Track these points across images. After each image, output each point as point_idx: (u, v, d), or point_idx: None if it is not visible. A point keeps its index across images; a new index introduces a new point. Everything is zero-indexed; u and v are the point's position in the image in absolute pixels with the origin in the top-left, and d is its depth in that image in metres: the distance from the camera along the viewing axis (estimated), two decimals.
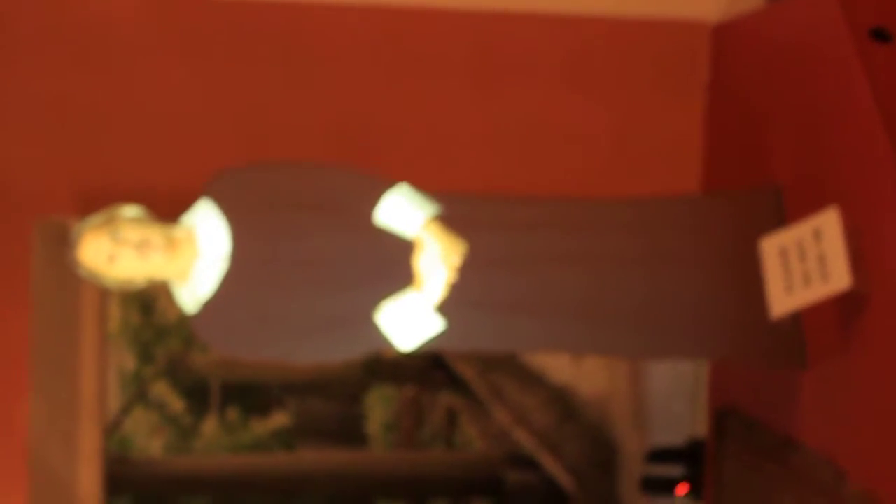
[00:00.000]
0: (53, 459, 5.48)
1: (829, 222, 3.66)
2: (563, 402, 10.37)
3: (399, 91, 5.10)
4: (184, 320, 3.86)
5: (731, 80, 4.89)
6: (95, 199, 4.10)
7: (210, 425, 12.69)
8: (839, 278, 3.59)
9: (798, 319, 3.91)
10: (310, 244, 3.59)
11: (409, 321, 3.63)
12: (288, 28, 5.06)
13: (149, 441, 12.25)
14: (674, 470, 5.94)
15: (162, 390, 12.47)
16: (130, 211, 3.60)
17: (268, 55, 5.07)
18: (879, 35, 3.77)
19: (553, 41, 5.12)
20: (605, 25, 5.12)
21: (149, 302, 11.03)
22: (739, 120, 4.69)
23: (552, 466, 10.37)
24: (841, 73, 3.81)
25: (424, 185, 3.75)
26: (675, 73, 5.11)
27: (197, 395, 12.60)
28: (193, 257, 3.59)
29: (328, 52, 5.09)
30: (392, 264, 3.63)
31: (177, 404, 12.61)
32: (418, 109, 5.11)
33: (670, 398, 7.80)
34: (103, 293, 5.55)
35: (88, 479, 5.76)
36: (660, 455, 6.24)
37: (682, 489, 5.82)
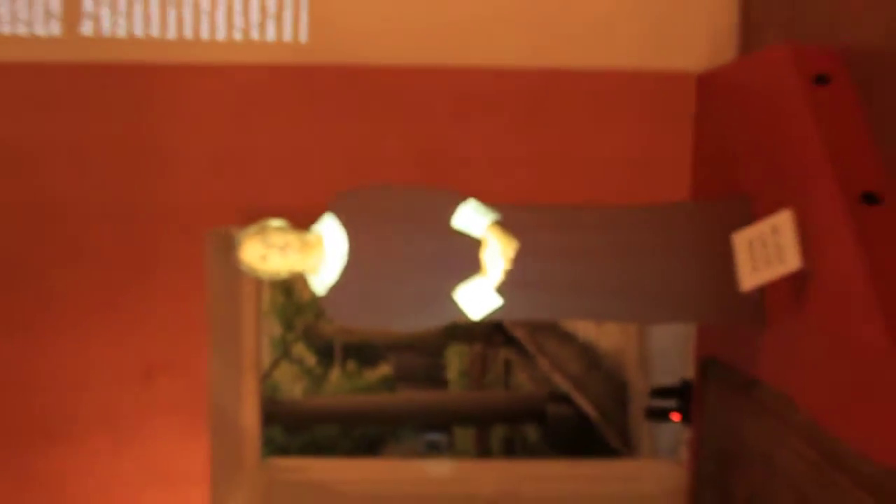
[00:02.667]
0: (225, 400, 5.54)
1: (783, 221, 3.65)
2: (588, 354, 10.33)
3: (466, 131, 5.08)
4: (315, 300, 3.87)
5: (712, 116, 4.83)
6: (250, 214, 4.11)
7: (335, 374, 12.80)
8: (791, 261, 3.59)
9: (761, 291, 3.88)
10: (406, 244, 3.59)
11: (478, 299, 3.63)
12: (385, 86, 5.04)
13: (292, 386, 12.36)
14: (670, 403, 5.91)
15: (300, 350, 12.58)
16: (275, 222, 3.63)
17: (370, 107, 5.05)
18: (821, 80, 3.74)
19: (580, 89, 5.07)
20: (621, 76, 5.06)
21: (290, 287, 11.12)
22: (719, 147, 4.65)
23: (581, 401, 10.34)
24: (793, 109, 3.78)
25: (486, 198, 3.74)
26: (670, 112, 5.04)
27: (325, 353, 12.70)
28: (321, 256, 3.62)
29: (414, 103, 5.06)
30: (465, 257, 3.63)
31: (311, 360, 12.72)
32: (480, 144, 5.08)
33: (667, 350, 7.75)
34: (258, 282, 5.60)
35: (250, 414, 5.82)
36: (659, 392, 6.21)
37: (676, 417, 5.78)
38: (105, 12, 4.97)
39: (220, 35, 5.00)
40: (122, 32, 4.96)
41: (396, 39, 5.01)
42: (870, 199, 3.38)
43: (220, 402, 5.40)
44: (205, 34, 5.00)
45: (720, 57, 4.99)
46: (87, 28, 4.97)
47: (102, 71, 4.94)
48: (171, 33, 4.99)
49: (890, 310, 3.10)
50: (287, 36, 5.01)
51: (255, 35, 5.00)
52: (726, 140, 4.54)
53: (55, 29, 4.97)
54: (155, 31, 4.97)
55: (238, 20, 5.00)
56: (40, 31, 4.96)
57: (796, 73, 3.75)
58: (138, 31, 4.97)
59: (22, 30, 4.97)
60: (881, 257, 3.23)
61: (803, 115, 3.67)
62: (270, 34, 5.01)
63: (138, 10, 4.96)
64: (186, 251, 5.05)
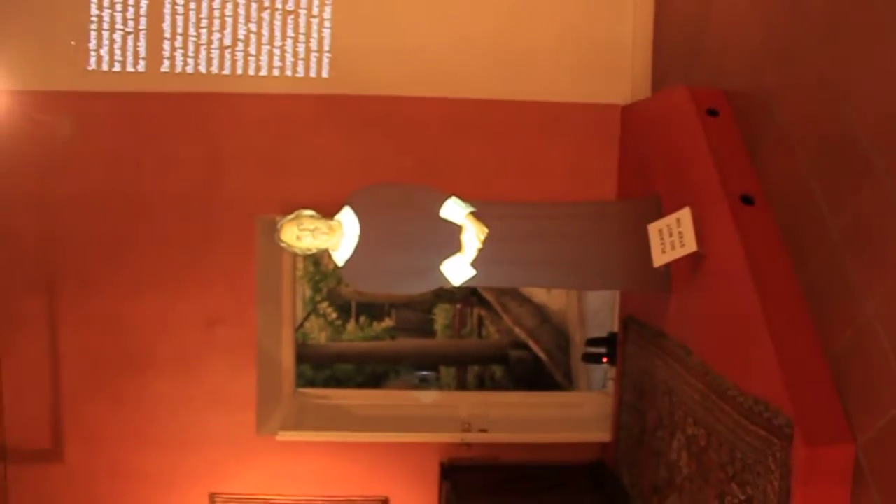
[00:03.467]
0: (268, 344, 5.51)
1: (684, 215, 3.64)
2: (541, 312, 10.33)
3: (452, 145, 5.05)
4: (336, 270, 3.88)
5: (633, 137, 4.83)
6: (289, 205, 4.11)
7: (351, 326, 12.76)
8: (689, 245, 3.58)
9: (668, 267, 3.87)
10: (405, 227, 3.60)
11: (458, 270, 3.65)
12: (388, 110, 5.00)
13: (318, 334, 12.33)
14: (601, 349, 5.87)
15: (325, 307, 12.54)
16: (307, 212, 3.63)
17: (377, 126, 5.01)
18: (712, 112, 3.73)
19: (535, 115, 5.04)
20: (565, 106, 5.03)
21: (318, 260, 11.10)
22: (638, 159, 4.65)
23: (535, 348, 10.34)
24: (691, 133, 3.77)
25: (465, 195, 3.75)
26: (602, 133, 5.02)
27: (344, 309, 12.66)
28: (341, 237, 3.62)
29: (412, 124, 5.03)
30: (449, 239, 3.65)
31: (333, 315, 12.67)
32: (462, 155, 5.05)
33: (599, 310, 7.76)
34: (294, 256, 5.59)
35: (287, 354, 5.81)
36: (593, 341, 6.17)
37: (605, 360, 5.75)
38: (179, 54, 4.96)
39: (264, 72, 4.99)
40: (190, 69, 4.95)
41: (397, 76, 4.99)
42: (746, 200, 3.39)
43: (265, 346, 5.38)
44: (252, 71, 4.99)
45: (638, 94, 5.00)
46: (165, 66, 4.95)
47: (179, 99, 4.92)
48: (228, 70, 4.97)
49: (759, 282, 3.10)
50: (313, 72, 5.00)
51: (289, 72, 4.99)
52: (643, 154, 4.55)
53: (142, 67, 4.96)
54: (215, 69, 4.96)
55: (277, 61, 4.99)
56: (131, 68, 4.95)
57: (694, 107, 3.74)
58: (203, 69, 4.96)
59: (117, 68, 4.96)
60: (754, 243, 3.24)
61: (699, 137, 3.67)
62: (301, 71, 4.99)
63: (203, 53, 4.95)
64: (241, 233, 5.05)
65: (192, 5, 4.93)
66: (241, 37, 4.95)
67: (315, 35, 4.98)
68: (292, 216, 3.60)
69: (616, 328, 5.17)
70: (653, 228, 3.81)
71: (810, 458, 2.68)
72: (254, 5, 4.94)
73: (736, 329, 3.22)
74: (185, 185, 5.00)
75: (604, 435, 5.16)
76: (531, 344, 10.60)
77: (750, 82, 3.64)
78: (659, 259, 3.76)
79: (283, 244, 3.61)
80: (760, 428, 2.97)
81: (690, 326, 3.75)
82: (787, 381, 2.83)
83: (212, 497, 5.22)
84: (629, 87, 5.03)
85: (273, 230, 3.64)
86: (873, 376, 2.64)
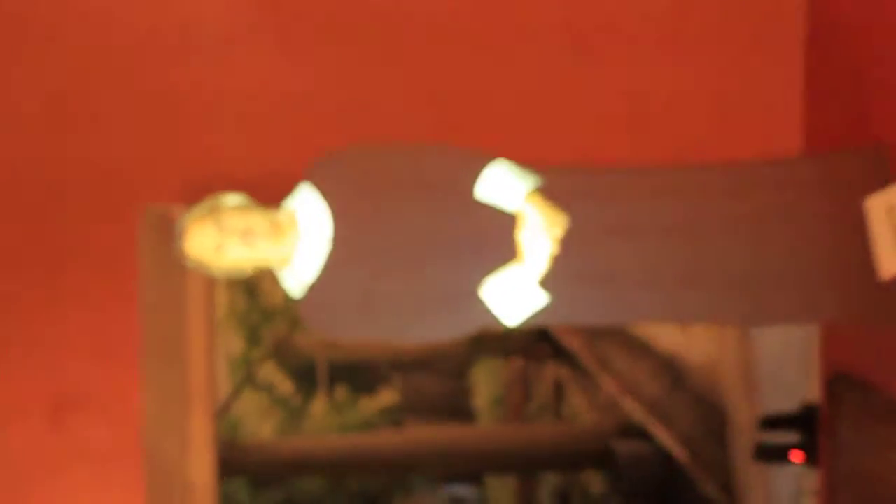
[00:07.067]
0: (166, 447, 5.53)
1: None
2: (671, 370, 10.32)
3: (492, 60, 5.11)
4: (289, 303, 3.89)
5: (831, 29, 4.82)
6: (199, 188, 4.14)
7: (319, 405, 12.81)
8: None
9: None
10: (413, 223, 3.62)
11: (514, 296, 3.65)
12: (380, 5, 5.10)
13: (259, 424, 12.39)
14: (787, 437, 5.88)
15: (270, 372, 12.60)
16: (233, 199, 3.62)
17: (359, 32, 5.09)
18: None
19: (646, 2, 5.12)
20: None
21: (254, 287, 11.14)
22: (841, 73, 4.64)
23: (664, 436, 10.33)
24: None
25: (522, 158, 3.76)
26: (770, 26, 5.07)
27: (305, 375, 12.71)
28: (297, 243, 3.63)
29: (420, 24, 5.11)
30: (495, 239, 3.66)
31: (285, 385, 12.73)
32: (512, 78, 5.10)
33: (781, 363, 7.73)
34: (210, 281, 5.62)
35: (201, 465, 5.83)
36: (772, 422, 6.18)
37: (796, 456, 5.76)
38: None
39: None
40: None
41: None
42: None
43: (159, 449, 5.42)
44: None
45: None
46: None
47: None
48: None
49: None
50: None
51: None
52: (851, 63, 4.53)
53: None
54: None
55: None
56: None
57: None
58: None
59: None
60: None
61: None
62: None
63: None
64: (110, 240, 5.10)
65: None
66: None
67: None
68: (206, 209, 3.61)
69: (816, 397, 5.20)
70: (876, 205, 3.83)
71: None
72: None
73: None
74: (5, 158, 5.07)
75: None
76: (655, 429, 10.58)
77: None
78: (891, 262, 3.79)
79: (191, 260, 3.63)
80: None
81: None
82: None
83: None
84: None
85: (172, 235, 3.67)
86: None
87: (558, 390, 12.65)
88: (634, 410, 10.74)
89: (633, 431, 10.88)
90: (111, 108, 5.10)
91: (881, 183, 3.90)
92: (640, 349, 10.70)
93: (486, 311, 3.68)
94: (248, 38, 5.08)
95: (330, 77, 5.07)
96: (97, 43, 5.09)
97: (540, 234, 3.64)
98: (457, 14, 5.09)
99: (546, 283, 3.68)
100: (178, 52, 5.10)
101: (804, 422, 5.49)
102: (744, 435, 8.77)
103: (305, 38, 5.09)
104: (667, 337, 10.26)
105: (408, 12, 5.09)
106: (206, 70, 5.10)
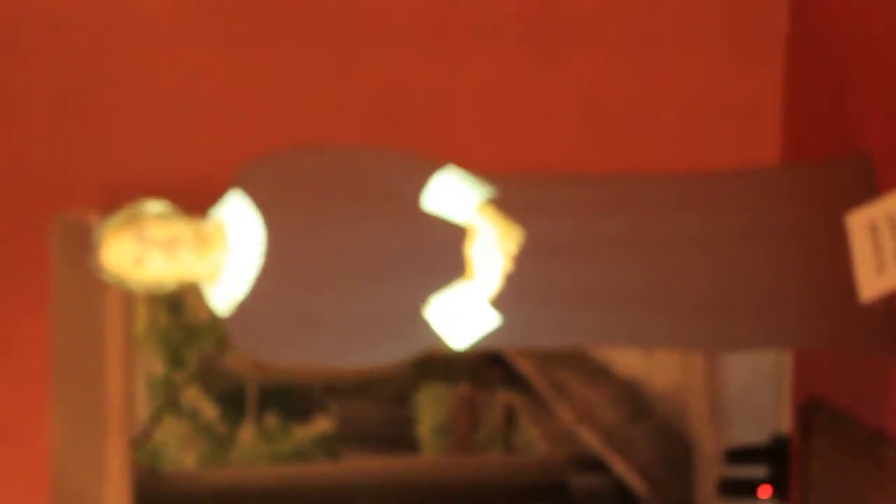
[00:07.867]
0: (78, 476, 5.53)
1: None
2: (632, 397, 10.37)
3: (445, 60, 5.13)
4: (215, 321, 3.87)
5: (812, 34, 4.86)
6: (117, 193, 4.11)
7: (247, 433, 12.77)
8: None
9: (891, 301, 3.88)
10: (353, 235, 3.61)
11: (462, 316, 3.64)
12: None
13: (181, 452, 12.35)
14: (755, 470, 5.92)
15: (194, 396, 12.55)
16: (155, 207, 3.60)
17: (296, 27, 5.10)
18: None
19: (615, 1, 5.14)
20: None
21: (177, 301, 11.11)
22: (822, 79, 4.67)
23: (621, 468, 10.37)
24: None
25: (475, 166, 3.75)
26: (749, 29, 5.11)
27: (232, 400, 12.68)
28: (225, 255, 3.61)
29: (364, 19, 5.11)
30: (442, 253, 3.65)
31: (210, 411, 12.68)
32: (466, 80, 5.12)
33: (750, 391, 7.79)
34: (128, 296, 5.59)
35: (116, 496, 5.81)
36: (739, 454, 6.22)
37: (764, 491, 5.80)
38: None
39: None
40: None
41: None
42: None
43: (69, 478, 5.40)
44: None
45: None
46: None
47: None
48: None
49: None
50: None
51: None
52: (833, 69, 4.55)
53: None
54: None
55: None
56: None
57: None
58: None
59: None
60: None
61: None
62: None
63: None
64: (18, 250, 5.07)
65: None
66: None
67: None
68: (124, 217, 3.59)
69: (787, 427, 5.23)
70: (858, 222, 3.82)
71: None
72: None
73: None
74: None
75: None
76: (613, 460, 10.62)
77: None
78: (872, 285, 3.78)
79: (107, 274, 3.60)
80: None
81: None
82: None
83: None
84: None
85: (87, 246, 3.63)
86: None
87: (509, 418, 12.69)
88: (591, 441, 10.78)
89: (590, 464, 10.92)
90: (19, 105, 5.09)
91: (864, 196, 3.91)
92: (599, 374, 10.75)
93: (432, 333, 3.67)
94: (170, 31, 5.08)
95: (261, 74, 5.08)
96: (3, 36, 5.06)
97: (492, 248, 3.63)
98: (404, 9, 5.11)
99: (497, 302, 3.67)
100: (94, 45, 5.10)
101: (774, 454, 5.52)
102: (709, 468, 8.82)
103: (233, 31, 5.10)
104: (628, 361, 10.32)
105: (349, 5, 5.09)
106: (124, 64, 5.10)
